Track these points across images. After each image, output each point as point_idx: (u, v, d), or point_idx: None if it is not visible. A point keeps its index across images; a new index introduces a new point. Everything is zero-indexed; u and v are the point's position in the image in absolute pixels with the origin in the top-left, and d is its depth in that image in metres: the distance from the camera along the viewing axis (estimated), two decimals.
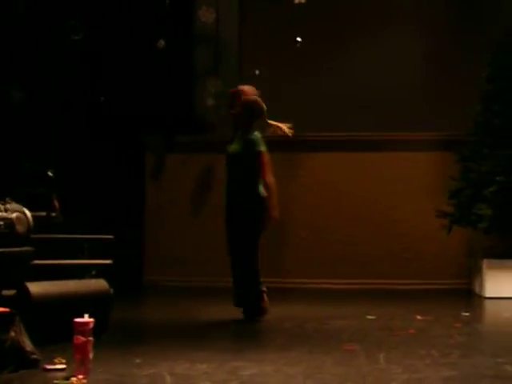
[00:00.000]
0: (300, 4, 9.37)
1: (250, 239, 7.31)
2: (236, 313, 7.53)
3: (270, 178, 7.30)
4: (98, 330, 5.71)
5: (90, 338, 4.99)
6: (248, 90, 7.55)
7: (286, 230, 10.42)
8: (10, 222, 6.33)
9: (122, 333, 6.88)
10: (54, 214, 9.66)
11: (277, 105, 10.52)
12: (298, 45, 9.72)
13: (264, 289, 7.34)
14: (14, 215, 6.47)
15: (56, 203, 9.67)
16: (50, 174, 9.71)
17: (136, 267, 10.56)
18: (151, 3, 10.46)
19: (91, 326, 5.01)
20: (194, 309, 8.45)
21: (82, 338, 4.96)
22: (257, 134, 7.40)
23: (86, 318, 5.03)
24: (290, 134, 7.53)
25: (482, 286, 9.38)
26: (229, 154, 7.46)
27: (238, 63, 10.76)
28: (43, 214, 9.67)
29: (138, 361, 5.45)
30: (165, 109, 10.51)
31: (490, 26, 10.05)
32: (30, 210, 9.21)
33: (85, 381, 4.86)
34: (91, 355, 4.99)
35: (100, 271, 8.69)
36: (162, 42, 9.85)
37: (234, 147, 7.44)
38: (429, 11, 10.68)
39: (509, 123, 9.33)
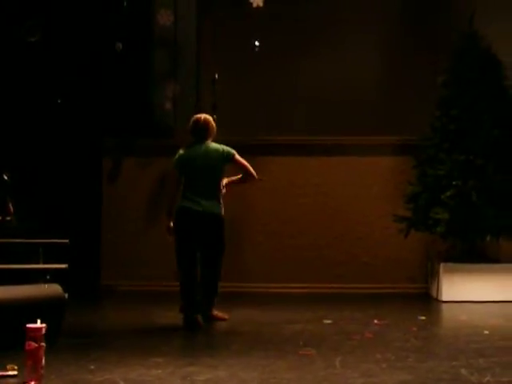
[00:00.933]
0: (258, 8, 9.36)
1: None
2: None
3: None
4: (51, 336, 5.64)
5: (43, 344, 4.92)
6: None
7: (245, 234, 10.39)
8: None
9: (77, 338, 6.79)
10: (8, 218, 9.55)
11: (236, 108, 10.57)
12: (256, 49, 9.71)
13: None
14: None
15: (11, 207, 9.57)
16: (5, 177, 9.59)
17: (93, 271, 10.45)
18: (109, 6, 10.38)
19: (43, 331, 4.94)
20: (151, 313, 8.37)
21: (34, 344, 4.89)
22: None
23: (39, 324, 4.96)
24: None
25: (438, 289, 9.43)
26: None
27: (196, 66, 10.70)
28: None
29: (92, 367, 5.39)
30: (122, 112, 10.42)
31: (446, 32, 10.11)
32: None
33: None
34: (43, 361, 4.92)
35: (56, 276, 8.62)
36: (119, 45, 9.77)
37: None
38: (387, 17, 10.72)
39: (465, 128, 9.39)
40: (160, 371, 5.25)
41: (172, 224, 7.41)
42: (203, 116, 7.59)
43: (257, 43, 9.57)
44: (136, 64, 10.47)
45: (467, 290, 9.26)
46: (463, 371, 5.23)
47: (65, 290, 6.64)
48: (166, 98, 10.54)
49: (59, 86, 10.37)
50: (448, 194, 9.26)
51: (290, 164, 10.51)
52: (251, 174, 7.53)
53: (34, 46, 10.16)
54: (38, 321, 4.96)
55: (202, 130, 7.45)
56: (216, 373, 5.17)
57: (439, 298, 9.37)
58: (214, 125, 7.57)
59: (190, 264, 7.32)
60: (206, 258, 7.39)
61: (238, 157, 7.47)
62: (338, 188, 10.45)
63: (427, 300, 9.61)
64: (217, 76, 10.08)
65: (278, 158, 10.54)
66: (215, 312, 7.53)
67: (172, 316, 7.98)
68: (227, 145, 7.56)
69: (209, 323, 7.34)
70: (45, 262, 9.18)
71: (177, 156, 7.50)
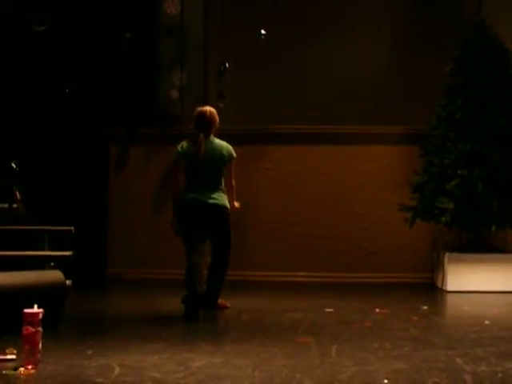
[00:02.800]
0: None
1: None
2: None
3: None
4: (52, 321, 5.71)
5: (39, 329, 4.98)
6: None
7: (249, 222, 10.41)
8: None
9: (78, 324, 6.86)
10: (15, 206, 9.63)
11: (243, 96, 10.58)
12: (262, 37, 9.71)
13: None
14: None
15: (18, 195, 9.64)
16: (13, 165, 9.67)
17: (100, 259, 10.51)
18: None
19: (40, 316, 4.99)
20: (156, 301, 8.42)
21: (31, 329, 4.95)
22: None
23: (35, 309, 5.01)
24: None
25: (443, 279, 9.42)
26: None
27: (203, 55, 10.71)
28: (5, 205, 9.66)
29: (89, 352, 5.44)
30: (129, 100, 10.45)
31: (454, 21, 10.08)
32: None
33: (33, 371, 4.84)
34: (40, 346, 4.97)
35: (61, 263, 8.69)
36: (126, 34, 9.79)
37: None
38: (396, 6, 10.69)
39: (471, 117, 9.36)
40: (156, 357, 5.29)
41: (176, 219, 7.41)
42: (208, 109, 7.49)
43: (263, 31, 9.56)
44: (143, 53, 10.49)
45: (472, 280, 9.26)
46: (458, 360, 5.24)
47: (68, 277, 6.70)
48: (172, 86, 10.55)
49: (66, 75, 10.40)
50: (453, 183, 9.24)
51: (296, 153, 10.52)
52: (232, 184, 7.54)
53: (41, 35, 10.19)
54: (35, 306, 5.01)
55: (208, 125, 7.39)
56: (211, 359, 5.20)
57: (444, 287, 9.36)
58: (218, 118, 7.53)
59: (196, 255, 7.33)
60: (213, 248, 7.44)
61: (235, 162, 7.50)
62: (344, 177, 10.44)
63: (432, 290, 9.61)
64: (227, 64, 10.10)
65: (283, 147, 10.55)
66: (219, 300, 7.57)
67: (176, 303, 8.02)
68: (232, 134, 7.59)
69: (212, 311, 7.38)
70: (50, 250, 9.26)
71: (181, 150, 7.46)
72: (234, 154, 7.47)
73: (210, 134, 7.43)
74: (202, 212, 7.31)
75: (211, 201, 7.31)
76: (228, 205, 7.43)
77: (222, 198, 7.38)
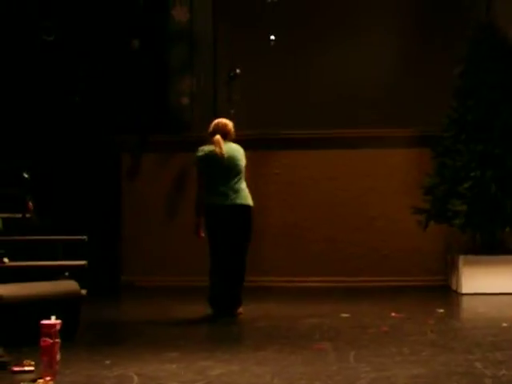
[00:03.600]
0: (273, 2, 9.36)
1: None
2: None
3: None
4: (68, 332, 5.71)
5: (57, 340, 4.98)
6: None
7: (261, 227, 10.38)
8: None
9: (94, 334, 6.86)
10: (28, 216, 9.62)
11: (252, 102, 10.58)
12: (272, 43, 9.72)
13: None
14: None
15: (31, 204, 9.64)
16: (25, 175, 9.67)
17: (113, 267, 10.51)
18: (125, 2, 10.42)
19: (58, 327, 4.99)
20: (170, 309, 8.41)
21: (49, 340, 4.95)
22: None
23: (53, 320, 5.01)
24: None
25: (458, 282, 9.39)
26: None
27: (212, 62, 10.72)
28: (18, 215, 9.65)
29: (107, 362, 5.43)
30: (140, 108, 10.47)
31: (463, 22, 10.06)
32: (4, 211, 9.19)
33: (51, 382, 4.84)
34: (58, 357, 4.97)
35: (75, 273, 8.67)
36: (136, 42, 9.81)
37: None
38: (403, 8, 10.68)
39: (482, 119, 9.33)
40: (174, 366, 5.28)
41: (199, 222, 7.60)
42: (225, 120, 7.79)
43: (272, 37, 9.57)
44: (153, 60, 10.51)
45: (487, 282, 9.21)
46: (478, 364, 5.21)
47: (83, 287, 6.70)
48: (183, 93, 10.57)
49: (77, 83, 10.42)
50: (466, 185, 9.21)
51: (307, 157, 10.49)
52: None
53: (51, 45, 10.21)
54: (53, 317, 5.01)
55: (224, 131, 7.64)
56: (229, 367, 5.19)
57: (459, 290, 9.33)
58: (233, 130, 7.72)
59: (223, 262, 7.52)
60: (234, 247, 7.55)
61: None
62: (356, 181, 10.42)
63: (447, 293, 9.57)
64: (238, 71, 10.11)
65: (294, 152, 10.54)
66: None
67: (190, 310, 8.04)
68: (242, 139, 7.71)
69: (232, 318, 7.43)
70: (64, 259, 9.24)
71: (201, 153, 7.61)
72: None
73: (225, 139, 7.58)
74: (228, 214, 7.45)
75: (235, 201, 7.47)
76: (251, 203, 7.61)
77: (245, 197, 7.55)
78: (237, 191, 7.50)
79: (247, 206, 7.55)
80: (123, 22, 10.39)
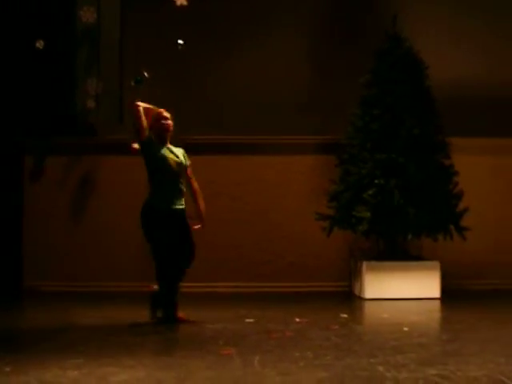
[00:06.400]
0: (182, 5, 9.31)
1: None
2: (116, 318, 7.44)
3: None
4: None
5: None
6: None
7: None
8: None
9: None
10: None
11: (159, 106, 10.49)
12: (180, 47, 9.65)
13: None
14: None
15: None
16: None
17: (15, 273, 10.28)
18: (30, 2, 10.23)
19: None
20: (73, 314, 8.29)
21: None
22: None
23: None
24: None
25: (361, 287, 9.52)
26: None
27: (119, 64, 10.61)
28: None
29: (7, 369, 5.31)
30: (45, 110, 10.28)
31: (370, 33, 10.22)
32: None
33: None
34: None
35: None
36: (41, 42, 9.62)
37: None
38: (309, 17, 10.77)
39: (387, 127, 9.49)
40: (76, 372, 5.20)
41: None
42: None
43: (180, 41, 9.51)
44: (59, 61, 10.33)
45: (390, 287, 9.37)
46: (380, 368, 5.29)
47: None
48: (89, 96, 10.42)
49: None
50: (370, 192, 9.35)
51: (214, 163, 10.47)
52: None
53: None
54: None
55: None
56: (133, 373, 5.14)
57: (362, 295, 9.46)
58: None
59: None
60: None
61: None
62: (261, 187, 10.45)
63: (350, 298, 9.69)
64: (146, 74, 10.00)
65: (201, 157, 10.45)
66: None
67: (94, 316, 7.93)
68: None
69: None
70: None
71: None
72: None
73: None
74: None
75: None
76: None
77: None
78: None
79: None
80: (28, 22, 10.19)
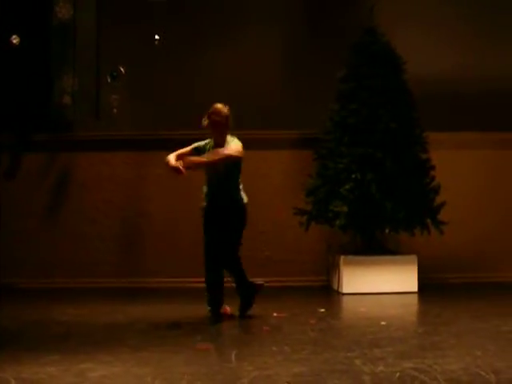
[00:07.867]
0: (158, 1, 9.29)
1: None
2: (92, 314, 7.41)
3: None
4: None
5: None
6: None
7: (143, 230, 10.32)
8: None
9: None
10: None
11: (135, 102, 10.47)
12: (156, 42, 9.63)
13: None
14: None
15: None
16: None
17: None
18: None
19: None
20: (50, 311, 8.24)
21: None
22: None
23: None
24: None
25: (339, 282, 9.54)
26: None
27: (95, 60, 10.55)
28: None
29: None
30: (20, 106, 10.21)
31: (347, 27, 10.22)
32: None
33: None
34: None
35: None
36: (16, 38, 9.55)
37: None
38: (287, 11, 10.77)
39: (364, 122, 9.50)
40: (53, 368, 5.18)
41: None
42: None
43: (157, 37, 9.49)
44: (34, 58, 10.26)
45: (367, 282, 9.39)
46: (357, 362, 5.31)
47: None
48: (65, 92, 10.37)
49: None
50: (347, 187, 9.36)
51: None
52: None
53: None
54: None
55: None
56: (110, 369, 5.13)
57: (340, 290, 9.48)
58: None
59: None
60: None
61: None
62: None
63: (328, 293, 9.71)
64: (122, 69, 9.98)
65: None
66: None
67: (70, 313, 7.90)
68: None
69: None
70: None
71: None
72: None
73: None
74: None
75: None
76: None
77: None
78: None
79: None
80: (3, 17, 10.12)
